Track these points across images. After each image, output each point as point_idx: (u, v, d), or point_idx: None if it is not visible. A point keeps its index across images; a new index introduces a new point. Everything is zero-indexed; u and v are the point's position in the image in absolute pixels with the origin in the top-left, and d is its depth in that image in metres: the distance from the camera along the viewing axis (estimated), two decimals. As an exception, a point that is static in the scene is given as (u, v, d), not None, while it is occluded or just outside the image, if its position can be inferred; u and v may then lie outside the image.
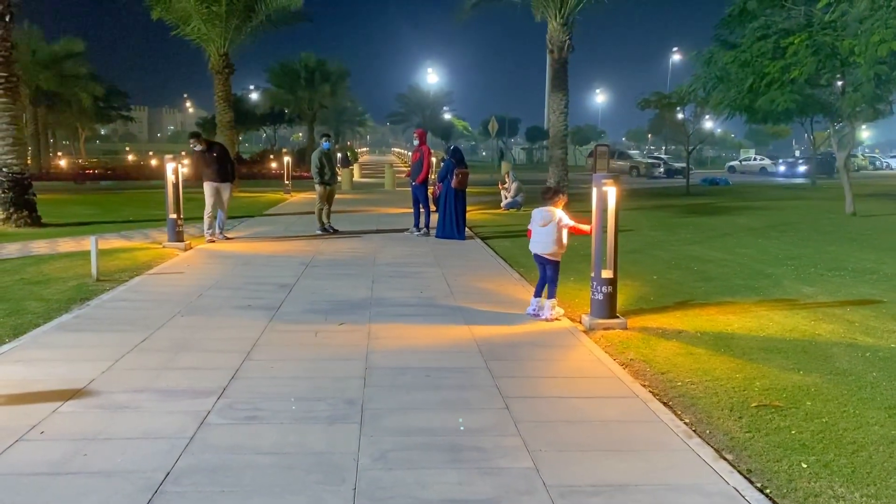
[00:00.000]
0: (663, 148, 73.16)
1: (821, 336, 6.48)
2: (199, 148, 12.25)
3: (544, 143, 59.54)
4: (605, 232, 6.59)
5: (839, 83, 17.73)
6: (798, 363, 5.64)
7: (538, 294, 7.19)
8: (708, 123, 34.72)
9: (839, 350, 6.02)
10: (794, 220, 16.84)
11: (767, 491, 3.54)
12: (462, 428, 4.22)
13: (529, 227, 7.20)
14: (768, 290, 8.59)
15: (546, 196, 7.18)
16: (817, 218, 17.53)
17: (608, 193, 6.52)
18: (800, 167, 45.93)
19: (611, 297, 6.69)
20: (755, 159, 57.94)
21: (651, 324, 6.88)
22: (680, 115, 32.29)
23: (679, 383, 5.16)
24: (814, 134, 34.75)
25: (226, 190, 12.45)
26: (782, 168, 47.51)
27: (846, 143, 20.05)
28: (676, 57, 64.08)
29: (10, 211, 13.90)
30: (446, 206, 13.15)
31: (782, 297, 8.19)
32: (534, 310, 7.13)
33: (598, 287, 6.66)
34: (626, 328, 6.65)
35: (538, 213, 7.09)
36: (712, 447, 4.05)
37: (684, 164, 32.69)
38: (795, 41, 15.06)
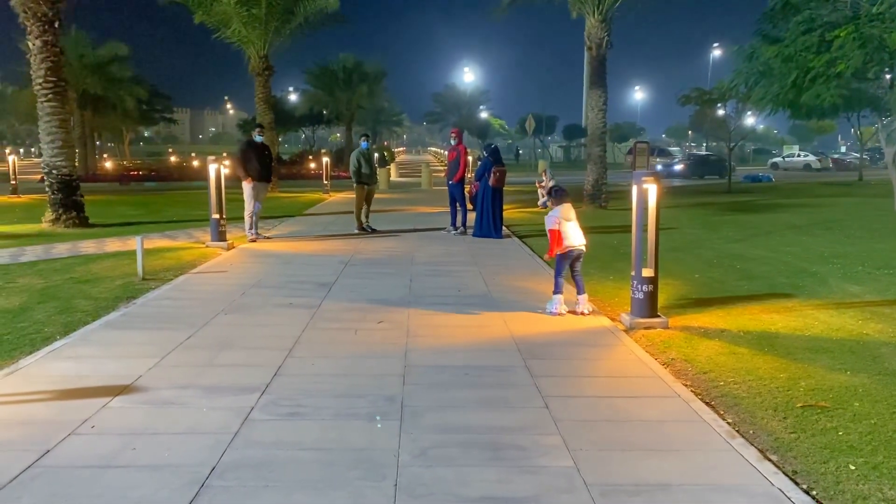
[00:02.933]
0: (704, 145, 72.07)
1: (869, 335, 6.33)
2: (260, 139, 12.53)
3: (582, 140, 59.12)
4: (646, 230, 6.52)
5: (887, 76, 17.27)
6: (845, 363, 5.52)
7: (582, 290, 7.23)
8: (750, 119, 34.07)
9: (888, 350, 5.88)
10: (840, 218, 16.45)
11: (814, 493, 3.48)
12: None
13: (557, 225, 7.06)
14: (813, 288, 8.41)
15: (563, 195, 7.24)
16: (864, 215, 17.10)
17: (649, 191, 6.46)
18: (676, 166, 42.09)
19: (651, 296, 6.62)
20: (799, 155, 56.74)
21: (693, 323, 6.79)
22: (721, 112, 31.80)
23: (721, 383, 5.09)
24: (861, 129, 33.92)
25: (264, 189, 12.70)
26: (659, 167, 43.35)
27: (895, 138, 19.50)
28: (717, 52, 63.03)
29: (60, 212, 14.28)
30: (483, 205, 13.15)
31: (828, 295, 8.02)
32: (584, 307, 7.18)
33: (639, 286, 6.60)
34: (668, 327, 6.58)
35: (570, 210, 7.15)
36: (756, 448, 3.99)
37: (726, 161, 32.17)
38: (841, 34, 14.69)
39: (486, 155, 13.67)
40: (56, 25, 14.00)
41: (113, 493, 3.39)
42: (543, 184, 19.40)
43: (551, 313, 7.11)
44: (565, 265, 7.16)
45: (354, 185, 13.59)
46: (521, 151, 78.20)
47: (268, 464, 3.73)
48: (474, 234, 13.21)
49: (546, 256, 7.33)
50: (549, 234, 7.11)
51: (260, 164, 12.38)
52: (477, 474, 3.62)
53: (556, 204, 7.16)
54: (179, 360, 5.53)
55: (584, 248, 7.19)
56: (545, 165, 28.78)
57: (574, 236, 7.09)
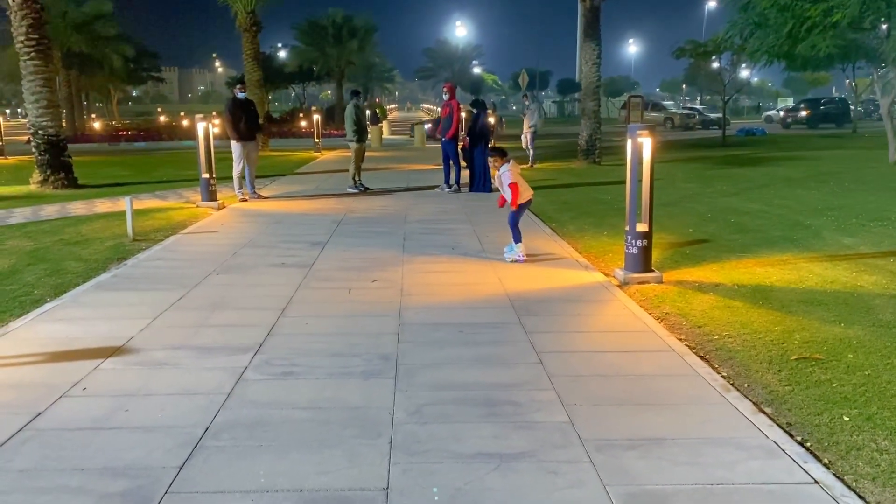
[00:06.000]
0: (698, 98, 71.55)
1: (863, 287, 6.32)
2: (242, 95, 12.28)
3: (576, 95, 58.62)
4: (640, 185, 6.45)
5: (884, 26, 17.03)
6: (839, 315, 5.52)
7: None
8: (744, 72, 33.71)
9: (882, 302, 5.88)
10: (835, 170, 16.39)
11: (808, 444, 3.48)
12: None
13: (515, 178, 7.43)
14: (808, 241, 8.39)
15: (507, 154, 7.67)
16: (859, 167, 17.04)
17: (643, 145, 6.37)
18: (426, 125, 34.69)
19: (646, 251, 6.59)
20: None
21: (687, 277, 6.77)
22: (716, 64, 31.46)
23: (716, 336, 5.09)
24: (856, 80, 33.66)
25: (254, 149, 12.52)
26: (428, 126, 34.59)
27: (890, 89, 19.33)
28: (712, 3, 62.14)
29: (48, 173, 14.11)
30: (475, 161, 13.09)
31: (822, 248, 8.01)
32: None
33: (633, 241, 6.56)
34: (662, 282, 6.56)
35: (517, 166, 7.65)
36: (751, 401, 3.99)
37: (720, 115, 31.95)
38: (838, -18, 14.45)
39: (474, 111, 13.54)
40: (36, -20, 13.64)
41: (106, 455, 3.38)
42: (527, 102, 19.97)
43: (516, 261, 7.47)
44: (521, 215, 7.62)
45: (352, 143, 13.35)
46: (514, 107, 77.53)
47: (262, 423, 3.71)
48: (470, 190, 13.17)
49: (513, 207, 7.55)
50: (509, 189, 7.42)
51: (246, 122, 12.18)
52: (472, 430, 3.62)
53: (503, 162, 7.52)
54: (171, 321, 5.49)
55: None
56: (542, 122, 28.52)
57: (527, 189, 7.56)
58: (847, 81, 35.07)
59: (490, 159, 7.75)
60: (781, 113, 47.56)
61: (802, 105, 46.77)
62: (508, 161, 7.55)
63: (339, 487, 3.09)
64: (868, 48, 18.53)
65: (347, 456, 3.37)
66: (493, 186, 13.10)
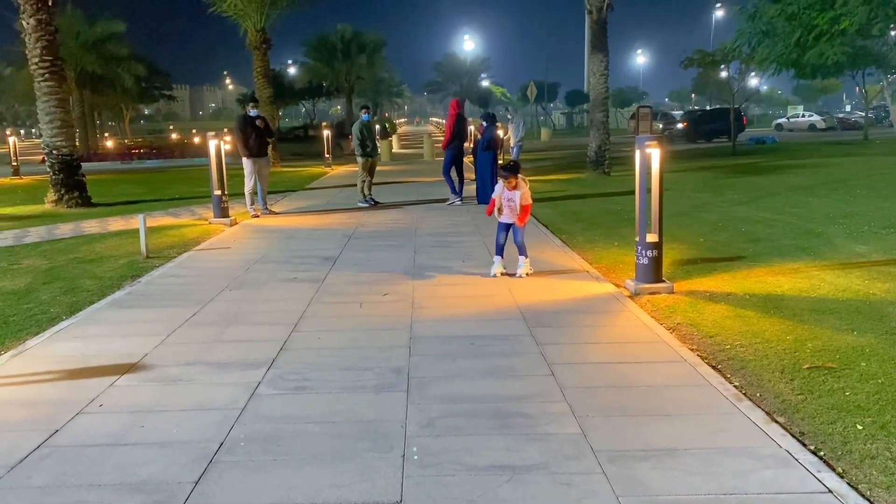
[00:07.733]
0: (707, 108, 71.48)
1: (875, 295, 6.30)
2: (254, 113, 12.40)
3: (585, 106, 58.71)
4: (649, 195, 6.47)
5: (893, 33, 17.03)
6: (852, 323, 5.50)
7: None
8: (753, 81, 33.66)
9: (895, 310, 5.85)
10: (846, 178, 16.31)
11: (821, 453, 3.48)
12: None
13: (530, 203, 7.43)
14: (819, 249, 8.37)
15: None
16: (870, 174, 16.95)
17: (652, 156, 6.39)
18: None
19: (656, 261, 6.59)
20: (803, 116, 56.18)
21: (698, 287, 6.77)
22: (724, 74, 31.46)
23: (728, 346, 5.08)
24: (866, 87, 33.54)
25: (265, 166, 12.62)
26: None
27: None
28: (720, 13, 62.24)
29: (62, 192, 14.27)
30: (482, 173, 13.15)
31: (834, 256, 7.98)
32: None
33: (643, 251, 6.57)
34: (673, 292, 6.56)
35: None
36: (763, 410, 3.98)
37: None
38: (845, -10, 14.47)
39: (484, 123, 13.64)
40: (50, 3, 13.84)
41: (122, 471, 3.41)
42: (509, 116, 19.87)
43: (527, 274, 7.41)
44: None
45: (358, 157, 13.52)
46: (525, 124, 77.75)
47: (276, 438, 3.74)
48: (478, 202, 13.23)
49: (520, 224, 7.48)
50: (527, 209, 7.36)
51: (256, 138, 12.31)
52: (484, 443, 3.63)
53: (519, 179, 7.30)
54: (185, 337, 5.54)
55: None
56: (549, 133, 28.59)
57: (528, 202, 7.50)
58: (857, 88, 34.94)
59: (503, 177, 7.35)
60: (680, 125, 40.39)
61: (680, 117, 42.39)
62: (520, 175, 7.41)
63: (353, 501, 3.11)
64: (877, 54, 18.53)
65: (361, 469, 3.39)
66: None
